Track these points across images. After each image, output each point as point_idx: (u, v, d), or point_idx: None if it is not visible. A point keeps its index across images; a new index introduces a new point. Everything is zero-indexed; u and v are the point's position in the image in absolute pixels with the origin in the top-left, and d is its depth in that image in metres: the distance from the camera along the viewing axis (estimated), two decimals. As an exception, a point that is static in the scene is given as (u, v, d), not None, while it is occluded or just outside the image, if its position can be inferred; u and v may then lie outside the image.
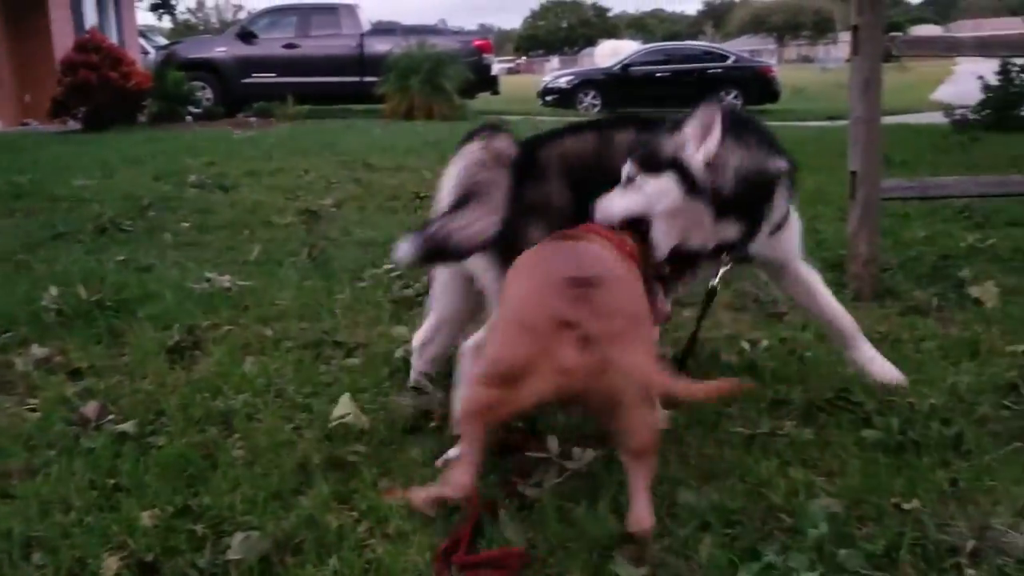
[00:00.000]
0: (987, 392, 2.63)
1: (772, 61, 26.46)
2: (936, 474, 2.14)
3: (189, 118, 15.56)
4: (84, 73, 13.34)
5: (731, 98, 20.73)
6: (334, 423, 2.46)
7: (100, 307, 3.59)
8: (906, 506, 1.99)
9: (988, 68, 12.52)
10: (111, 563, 1.85)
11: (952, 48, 4.28)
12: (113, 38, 17.50)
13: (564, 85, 22.11)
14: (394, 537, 1.95)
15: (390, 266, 4.30)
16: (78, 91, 13.48)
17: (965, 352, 3.04)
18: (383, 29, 18.92)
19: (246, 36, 17.72)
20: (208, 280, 3.97)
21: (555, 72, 29.20)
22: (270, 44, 17.53)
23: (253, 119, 15.33)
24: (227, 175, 7.85)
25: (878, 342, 3.17)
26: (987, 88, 12.37)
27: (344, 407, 2.45)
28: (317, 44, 17.62)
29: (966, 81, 18.36)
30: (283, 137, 11.86)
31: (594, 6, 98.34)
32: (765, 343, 3.13)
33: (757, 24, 78.18)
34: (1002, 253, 4.48)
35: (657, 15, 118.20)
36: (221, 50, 17.64)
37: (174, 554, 1.88)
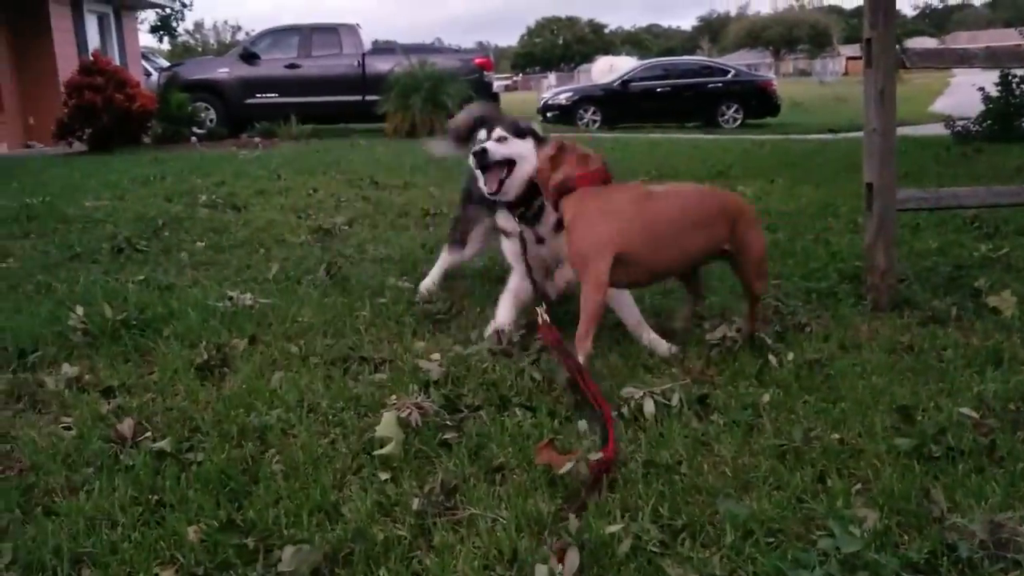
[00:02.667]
0: (1014, 400, 2.66)
1: (771, 75, 26.54)
2: (972, 481, 2.17)
3: (194, 139, 15.63)
4: (89, 95, 13.44)
5: (732, 112, 20.86)
6: (371, 437, 2.49)
7: (126, 326, 3.61)
8: (945, 513, 2.02)
9: (987, 80, 12.60)
10: (164, 577, 1.87)
11: (963, 60, 4.30)
12: (116, 60, 17.61)
13: (564, 102, 22.17)
14: (439, 549, 1.97)
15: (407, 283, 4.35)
16: (83, 113, 13.57)
17: (988, 361, 3.07)
18: (383, 48, 19.00)
19: (248, 57, 17.81)
20: (230, 298, 4.00)
21: (554, 89, 29.30)
22: (272, 64, 17.62)
23: (257, 139, 15.40)
24: (237, 195, 7.89)
25: (900, 352, 3.22)
26: (988, 99, 12.45)
27: (387, 426, 2.47)
28: (319, 64, 17.71)
29: (964, 93, 18.46)
30: (288, 157, 11.91)
31: (590, 22, 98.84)
32: (790, 355, 3.14)
33: (753, 38, 78.48)
34: (1016, 262, 4.52)
35: (652, 30, 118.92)
36: (224, 71, 17.72)
37: (226, 568, 1.91)
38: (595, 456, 2.27)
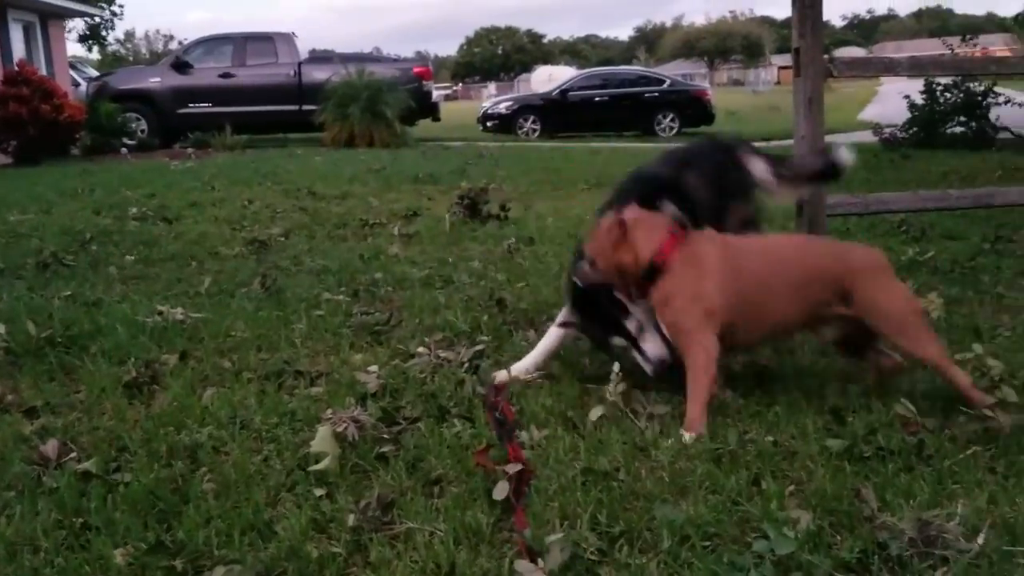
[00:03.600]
0: (942, 399, 2.72)
1: (706, 84, 26.99)
2: (901, 480, 2.21)
3: (124, 150, 15.29)
4: (14, 107, 13.10)
5: (668, 121, 21.10)
6: (306, 453, 2.44)
7: (51, 344, 3.51)
8: (875, 513, 2.05)
9: (913, 88, 12.97)
10: (86, 604, 1.81)
11: (888, 69, 4.42)
12: (43, 70, 17.14)
13: (504, 111, 22.25)
14: (376, 565, 1.93)
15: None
16: (8, 125, 13.22)
17: (917, 362, 3.12)
18: (320, 57, 18.84)
19: (181, 66, 17.52)
20: (160, 313, 3.90)
21: (494, 98, 29.38)
22: (206, 74, 17.34)
23: (190, 150, 15.13)
24: (169, 207, 7.73)
25: (831, 354, 3.27)
26: (914, 107, 12.81)
27: (323, 441, 2.43)
28: (254, 73, 17.48)
29: (891, 101, 18.96)
30: (223, 167, 11.72)
31: (528, 32, 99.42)
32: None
33: (688, 48, 79.77)
34: (941, 265, 4.64)
35: (590, 41, 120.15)
36: (155, 80, 17.40)
37: (153, 591, 1.85)
38: (513, 468, 2.25)
